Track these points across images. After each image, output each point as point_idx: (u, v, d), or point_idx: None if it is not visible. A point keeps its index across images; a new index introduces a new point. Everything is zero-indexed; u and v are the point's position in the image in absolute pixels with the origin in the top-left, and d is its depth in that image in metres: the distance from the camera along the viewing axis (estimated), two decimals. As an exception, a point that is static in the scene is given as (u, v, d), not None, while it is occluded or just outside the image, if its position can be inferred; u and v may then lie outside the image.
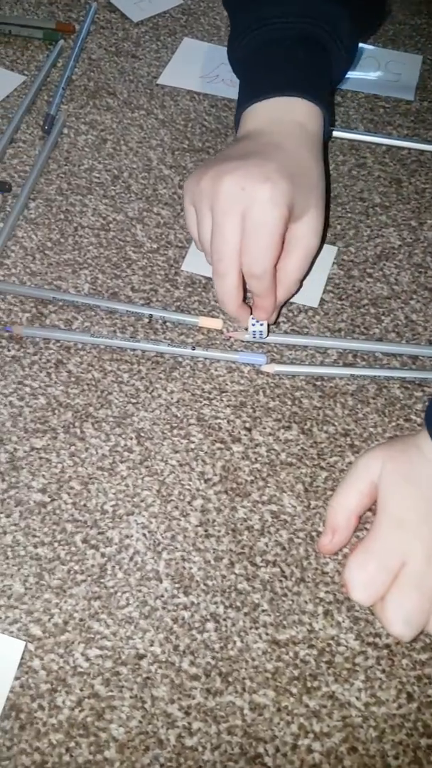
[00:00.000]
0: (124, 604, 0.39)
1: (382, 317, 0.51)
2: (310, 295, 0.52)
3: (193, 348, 0.48)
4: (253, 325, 0.48)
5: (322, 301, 0.52)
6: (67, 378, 0.47)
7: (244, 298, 0.48)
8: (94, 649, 0.38)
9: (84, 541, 0.41)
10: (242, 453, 0.45)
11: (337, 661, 0.38)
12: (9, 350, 0.48)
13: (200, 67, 0.60)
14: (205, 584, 0.40)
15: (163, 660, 0.38)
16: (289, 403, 0.47)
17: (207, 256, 0.49)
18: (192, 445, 0.45)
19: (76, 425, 0.45)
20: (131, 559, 0.41)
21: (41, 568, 0.40)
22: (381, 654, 0.38)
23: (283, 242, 0.46)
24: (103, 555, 0.41)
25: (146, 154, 0.60)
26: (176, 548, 0.41)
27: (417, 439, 0.41)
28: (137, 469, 0.44)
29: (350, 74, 0.66)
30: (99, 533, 0.41)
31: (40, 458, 0.44)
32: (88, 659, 0.38)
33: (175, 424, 0.46)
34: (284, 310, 0.51)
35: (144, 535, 0.42)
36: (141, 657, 0.38)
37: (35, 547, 0.41)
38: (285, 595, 0.40)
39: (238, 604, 0.40)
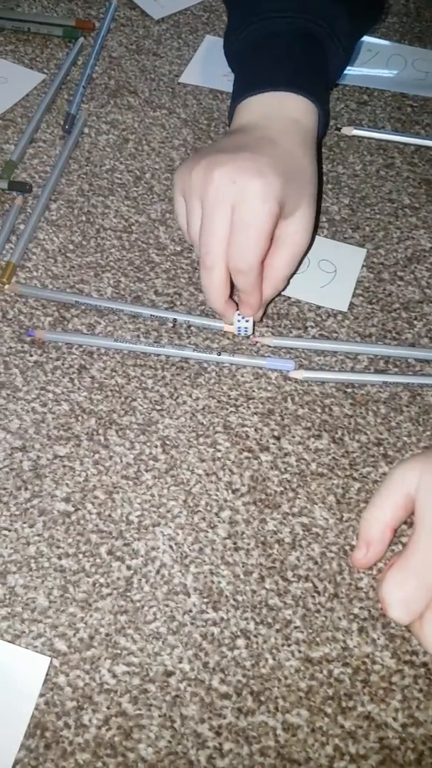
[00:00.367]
0: (152, 619, 0.38)
1: (414, 322, 0.49)
2: (340, 298, 0.50)
3: (219, 353, 0.47)
4: (239, 321, 0.47)
5: (352, 305, 0.50)
6: (90, 384, 0.46)
7: (232, 294, 0.47)
8: (121, 665, 0.37)
9: (109, 552, 0.40)
10: (271, 462, 0.44)
11: (372, 680, 0.37)
12: (32, 355, 0.47)
13: (223, 65, 0.58)
14: (234, 599, 0.39)
15: (193, 677, 0.37)
16: (319, 410, 0.46)
17: (195, 248, 0.48)
18: (219, 454, 0.44)
19: (99, 432, 0.44)
20: (158, 572, 0.39)
21: (66, 581, 0.39)
22: (418, 673, 0.37)
23: (272, 239, 0.45)
24: (129, 567, 0.40)
25: (169, 154, 0.58)
26: (204, 561, 0.40)
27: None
28: (163, 478, 0.43)
29: (376, 72, 0.65)
30: (125, 545, 0.40)
31: (64, 466, 0.43)
32: (114, 676, 0.36)
33: (201, 432, 0.45)
34: (312, 314, 0.50)
35: (171, 547, 0.40)
36: (169, 674, 0.37)
37: (59, 558, 0.40)
38: (318, 611, 0.39)
39: (270, 620, 0.38)
